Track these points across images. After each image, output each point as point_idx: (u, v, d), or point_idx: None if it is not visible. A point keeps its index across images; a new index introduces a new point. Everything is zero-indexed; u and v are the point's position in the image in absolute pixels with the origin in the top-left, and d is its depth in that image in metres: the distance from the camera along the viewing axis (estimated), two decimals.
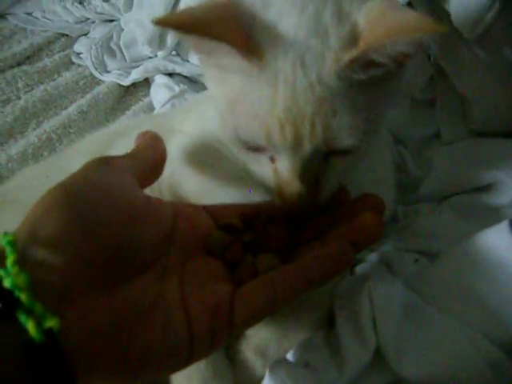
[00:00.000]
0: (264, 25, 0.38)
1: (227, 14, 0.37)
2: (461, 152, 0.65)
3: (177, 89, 0.85)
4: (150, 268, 0.35)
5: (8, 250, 0.28)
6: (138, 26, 0.92)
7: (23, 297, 0.25)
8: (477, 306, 0.43)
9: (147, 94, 0.93)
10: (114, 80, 0.96)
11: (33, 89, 0.98)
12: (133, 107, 0.90)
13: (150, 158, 0.42)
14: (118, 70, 0.98)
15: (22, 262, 0.27)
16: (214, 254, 0.40)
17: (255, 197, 0.47)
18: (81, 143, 0.64)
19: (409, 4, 0.61)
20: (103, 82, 0.98)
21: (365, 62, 0.36)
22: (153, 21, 0.34)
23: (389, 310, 0.43)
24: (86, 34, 1.14)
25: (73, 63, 1.07)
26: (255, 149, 0.40)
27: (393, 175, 0.63)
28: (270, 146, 0.39)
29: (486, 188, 0.60)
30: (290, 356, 0.44)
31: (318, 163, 0.40)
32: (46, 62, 1.06)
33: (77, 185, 0.34)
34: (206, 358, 0.38)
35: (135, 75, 0.94)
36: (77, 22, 1.18)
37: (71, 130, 0.86)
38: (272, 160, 0.41)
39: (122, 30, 1.06)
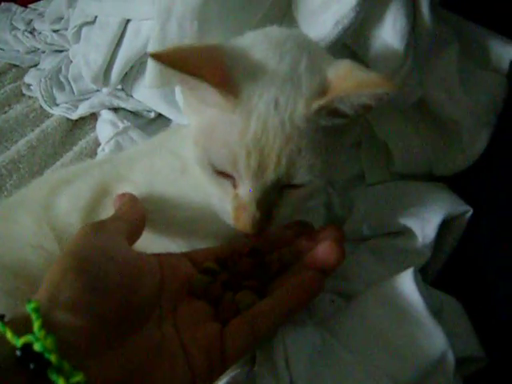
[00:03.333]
0: (245, 68, 0.44)
1: (212, 56, 0.43)
2: (381, 195, 0.69)
3: (121, 125, 0.89)
4: (150, 317, 0.40)
5: (34, 316, 0.31)
6: (84, 63, 0.95)
7: (52, 358, 0.29)
8: (383, 347, 0.48)
9: (94, 128, 0.96)
10: (62, 114, 0.99)
11: None
12: (80, 142, 0.93)
13: (132, 219, 0.48)
14: (67, 103, 1.01)
15: (46, 325, 0.31)
16: (198, 296, 0.45)
17: (202, 244, 0.52)
18: (28, 190, 0.65)
19: None
20: (53, 115, 1.00)
21: (331, 111, 0.42)
22: (149, 54, 0.40)
23: (300, 351, 0.47)
24: (36, 65, 1.16)
25: (23, 95, 1.08)
26: (221, 173, 0.45)
27: (324, 213, 0.68)
28: (234, 171, 0.43)
29: (399, 233, 0.64)
30: None
31: (274, 194, 0.45)
32: None
33: (84, 251, 0.39)
34: None
35: (82, 110, 0.97)
36: (27, 52, 1.20)
37: (21, 166, 0.88)
38: (234, 186, 0.45)
39: (71, 61, 1.08)
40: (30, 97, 1.07)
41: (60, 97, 1.02)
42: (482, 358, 0.52)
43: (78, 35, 1.04)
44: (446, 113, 0.66)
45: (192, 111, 0.48)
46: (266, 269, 0.46)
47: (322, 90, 0.43)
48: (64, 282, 0.35)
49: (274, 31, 0.50)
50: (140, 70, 0.91)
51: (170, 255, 0.48)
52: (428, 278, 0.62)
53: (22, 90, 1.09)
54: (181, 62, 0.40)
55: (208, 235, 0.53)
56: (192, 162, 0.51)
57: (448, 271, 0.64)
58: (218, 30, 0.61)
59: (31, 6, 1.37)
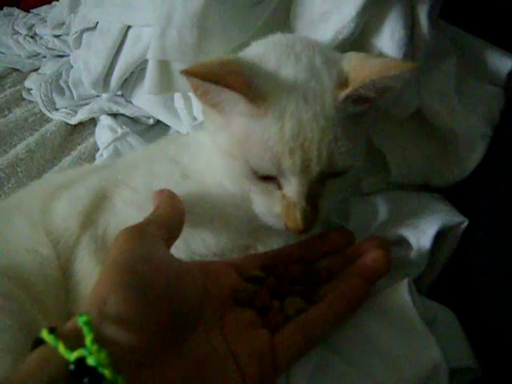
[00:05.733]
0: (264, 74, 0.46)
1: (232, 69, 0.44)
2: (377, 205, 0.68)
3: (119, 131, 0.89)
4: (196, 327, 0.39)
5: (85, 329, 0.31)
6: (84, 68, 0.95)
7: (107, 373, 0.29)
8: (380, 358, 0.47)
9: (93, 133, 0.97)
10: (62, 118, 0.99)
11: None
12: (79, 147, 0.94)
13: (171, 220, 0.47)
14: (66, 108, 1.02)
15: (98, 339, 0.30)
16: (244, 304, 0.44)
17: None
18: (25, 193, 0.65)
19: None
20: (52, 119, 1.01)
21: (356, 98, 0.45)
22: (180, 71, 0.42)
23: (300, 365, 0.46)
24: (36, 70, 1.17)
25: (23, 99, 1.09)
26: (264, 178, 0.47)
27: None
28: (279, 172, 0.45)
29: (395, 243, 0.62)
30: None
31: (318, 185, 0.47)
32: None
33: (129, 262, 0.38)
34: None
35: (81, 115, 0.98)
36: (28, 57, 1.21)
37: (19, 169, 0.89)
38: (279, 187, 0.47)
39: (72, 66, 1.09)
40: (29, 101, 1.09)
41: (60, 101, 1.03)
42: (475, 368, 0.52)
43: (78, 41, 1.05)
44: (443, 124, 0.66)
45: (217, 128, 0.49)
46: (313, 275, 0.47)
47: (342, 81, 0.46)
48: (112, 296, 0.34)
49: (280, 38, 0.52)
50: (139, 77, 0.91)
51: (212, 263, 0.48)
52: (422, 288, 0.62)
53: (22, 94, 1.11)
54: (211, 74, 0.42)
55: (208, 241, 0.53)
56: (192, 168, 0.52)
57: (443, 282, 0.64)
58: (217, 38, 0.61)
59: (33, 10, 1.39)
